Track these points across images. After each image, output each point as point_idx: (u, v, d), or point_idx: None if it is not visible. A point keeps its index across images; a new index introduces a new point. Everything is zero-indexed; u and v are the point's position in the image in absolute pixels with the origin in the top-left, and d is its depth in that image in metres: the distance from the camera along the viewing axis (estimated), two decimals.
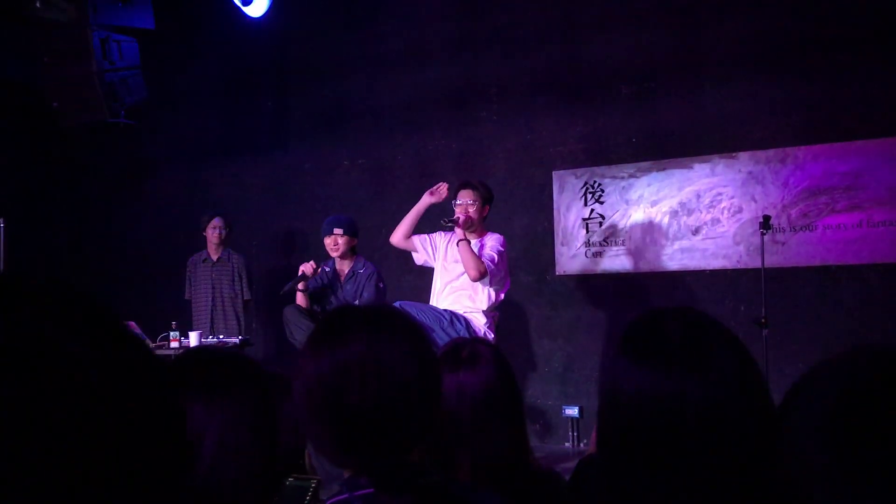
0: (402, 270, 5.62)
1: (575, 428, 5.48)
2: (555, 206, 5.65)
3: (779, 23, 4.95)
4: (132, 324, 5.11)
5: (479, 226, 4.42)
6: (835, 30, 4.79)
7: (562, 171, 5.64)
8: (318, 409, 1.12)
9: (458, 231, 4.24)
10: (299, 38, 6.62)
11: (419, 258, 4.64)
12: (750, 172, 5.04)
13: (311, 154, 6.57)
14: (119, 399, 0.48)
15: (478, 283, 4.25)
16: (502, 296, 4.44)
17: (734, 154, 5.08)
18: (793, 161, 4.93)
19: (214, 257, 5.84)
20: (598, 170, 5.52)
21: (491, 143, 5.87)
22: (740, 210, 5.06)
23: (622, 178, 5.43)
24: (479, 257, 4.20)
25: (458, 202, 4.37)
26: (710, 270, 5.16)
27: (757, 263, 4.64)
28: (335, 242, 4.79)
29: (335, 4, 6.50)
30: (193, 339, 4.93)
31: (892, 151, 4.65)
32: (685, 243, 5.23)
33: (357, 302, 4.65)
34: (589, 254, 5.55)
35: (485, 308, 4.30)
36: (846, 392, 0.71)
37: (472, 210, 4.34)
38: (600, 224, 5.51)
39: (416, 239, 4.57)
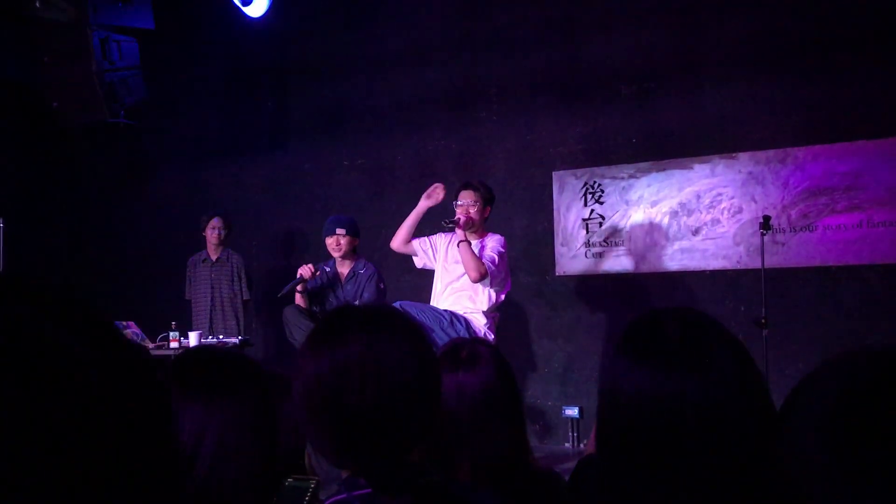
0: (402, 270, 5.62)
1: (575, 428, 5.47)
2: (555, 206, 5.64)
3: (779, 23, 4.95)
4: (132, 324, 5.12)
5: (479, 226, 4.41)
6: (835, 30, 4.79)
7: (562, 172, 5.63)
8: (317, 409, 1.12)
9: (459, 232, 4.23)
10: (299, 38, 6.62)
11: (419, 262, 4.64)
12: (750, 173, 5.04)
13: (311, 154, 6.57)
14: (119, 399, 0.48)
15: (478, 283, 4.24)
16: (503, 296, 4.43)
17: (734, 154, 5.08)
18: (793, 161, 4.93)
19: (214, 257, 5.84)
20: (598, 170, 5.52)
21: (491, 144, 5.87)
22: (740, 210, 5.06)
23: (622, 178, 5.43)
24: (479, 258, 4.19)
25: (459, 203, 4.36)
26: (710, 271, 5.16)
27: (757, 264, 4.64)
28: (337, 243, 4.77)
29: (335, 4, 6.50)
30: (193, 339, 4.92)
31: (892, 151, 4.65)
32: (685, 244, 5.22)
33: (357, 302, 4.64)
34: (589, 254, 5.54)
35: (485, 309, 4.29)
36: (846, 392, 0.71)
37: (472, 211, 4.33)
38: (600, 224, 5.51)
39: (416, 243, 4.57)
